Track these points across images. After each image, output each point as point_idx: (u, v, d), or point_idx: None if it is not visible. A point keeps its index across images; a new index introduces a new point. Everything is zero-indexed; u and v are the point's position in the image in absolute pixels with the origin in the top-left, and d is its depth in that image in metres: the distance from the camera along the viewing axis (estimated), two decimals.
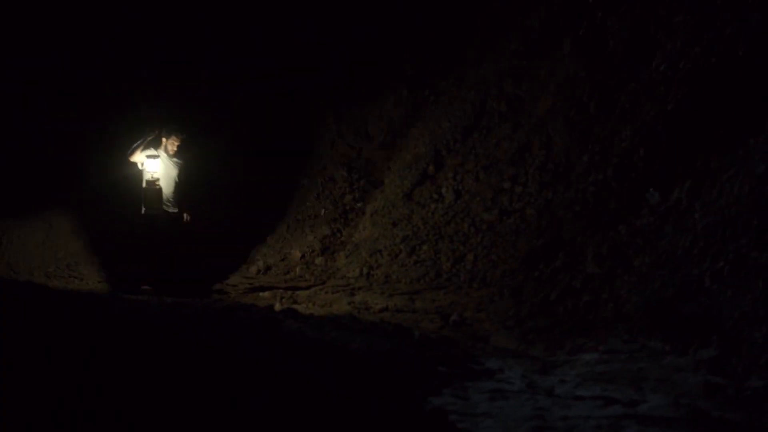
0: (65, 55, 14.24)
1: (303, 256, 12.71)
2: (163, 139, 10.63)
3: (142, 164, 10.51)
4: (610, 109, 10.03)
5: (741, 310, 6.01)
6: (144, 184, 10.49)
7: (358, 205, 13.60)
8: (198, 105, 14.09)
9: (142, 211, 10.59)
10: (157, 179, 10.47)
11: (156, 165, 10.50)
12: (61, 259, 12.99)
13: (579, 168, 9.98)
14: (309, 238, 13.12)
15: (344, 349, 5.79)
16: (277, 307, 9.63)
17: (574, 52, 11.06)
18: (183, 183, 10.82)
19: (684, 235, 7.57)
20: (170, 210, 10.71)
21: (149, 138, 10.47)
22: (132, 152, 10.44)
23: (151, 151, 10.52)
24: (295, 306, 9.96)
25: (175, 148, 10.67)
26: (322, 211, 13.67)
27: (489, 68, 12.78)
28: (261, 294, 11.27)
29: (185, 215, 10.83)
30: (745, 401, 4.78)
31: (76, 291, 10.80)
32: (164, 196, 10.60)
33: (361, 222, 12.87)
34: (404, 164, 12.88)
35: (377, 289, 10.64)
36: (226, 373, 3.67)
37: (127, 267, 11.51)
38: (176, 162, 10.76)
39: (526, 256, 9.38)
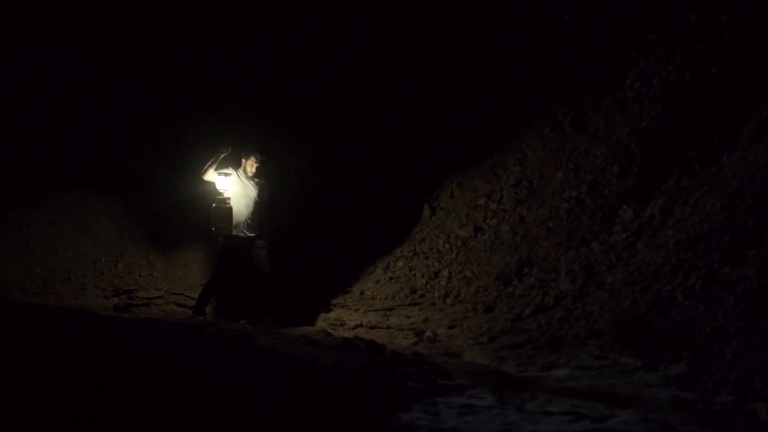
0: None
1: None
2: (243, 160, 10.13)
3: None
4: (584, 126, 10.08)
5: (712, 326, 6.03)
6: (213, 203, 9.97)
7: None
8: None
9: (212, 231, 10.08)
10: (228, 198, 9.89)
11: (227, 183, 9.93)
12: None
13: (553, 185, 10.00)
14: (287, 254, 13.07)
15: (313, 365, 5.75)
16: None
17: (549, 70, 11.10)
18: (263, 205, 10.27)
19: (656, 252, 7.59)
20: (249, 234, 10.07)
21: (223, 154, 9.87)
22: (205, 171, 9.87)
23: (225, 169, 9.95)
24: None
25: (254, 170, 10.14)
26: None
27: None
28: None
29: (264, 239, 10.20)
30: (713, 417, 4.77)
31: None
32: (241, 219, 10.02)
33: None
34: None
35: (352, 305, 10.59)
36: (185, 389, 3.64)
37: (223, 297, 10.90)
38: (256, 182, 10.23)
39: (499, 273, 9.36)
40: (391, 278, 10.76)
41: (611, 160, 9.30)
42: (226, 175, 9.91)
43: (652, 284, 7.12)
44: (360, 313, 10.02)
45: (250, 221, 10.05)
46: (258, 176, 10.22)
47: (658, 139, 9.02)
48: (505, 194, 10.67)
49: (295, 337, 7.62)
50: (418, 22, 13.05)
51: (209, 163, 9.83)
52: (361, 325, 9.29)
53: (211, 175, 9.84)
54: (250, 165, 10.08)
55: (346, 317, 9.78)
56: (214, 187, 9.92)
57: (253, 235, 10.07)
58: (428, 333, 8.51)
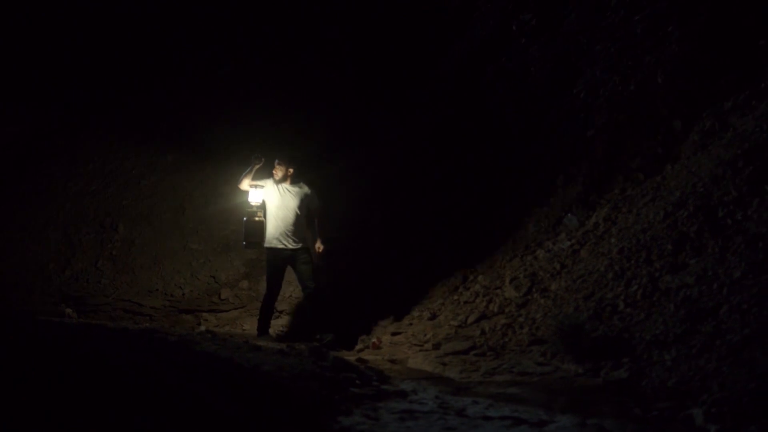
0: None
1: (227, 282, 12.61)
2: (277, 168, 9.82)
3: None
4: (533, 135, 10.14)
5: (652, 333, 6.08)
6: (245, 216, 9.73)
7: None
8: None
9: (243, 245, 9.91)
10: (258, 211, 9.62)
11: (257, 196, 9.67)
12: None
13: (502, 192, 10.05)
14: (235, 263, 13.02)
15: (255, 369, 5.71)
16: (199, 329, 9.60)
17: (498, 79, 11.15)
18: (306, 215, 9.90)
19: (600, 260, 7.66)
20: (292, 246, 9.69)
21: (256, 166, 9.67)
22: (240, 181, 9.69)
23: (258, 181, 9.72)
24: (215, 329, 9.91)
25: (281, 176, 9.78)
26: None
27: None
28: (185, 316, 11.19)
29: (318, 247, 9.78)
30: (651, 422, 4.80)
31: None
32: (279, 230, 9.66)
33: None
34: None
35: (302, 312, 10.60)
36: (119, 391, 3.60)
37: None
38: (296, 191, 9.84)
39: (445, 280, 9.41)
40: None
41: (557, 169, 9.38)
42: (259, 187, 9.68)
43: (595, 291, 7.18)
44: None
45: (289, 233, 9.68)
46: (300, 185, 9.91)
47: (604, 148, 9.10)
48: (455, 201, 10.71)
49: (239, 343, 7.59)
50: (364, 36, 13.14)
51: (244, 173, 9.66)
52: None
53: (246, 186, 9.68)
54: (277, 171, 9.77)
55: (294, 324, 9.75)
56: (246, 199, 9.75)
57: (295, 247, 9.72)
58: (373, 339, 8.53)
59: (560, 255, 8.36)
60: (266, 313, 9.77)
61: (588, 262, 7.84)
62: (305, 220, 9.87)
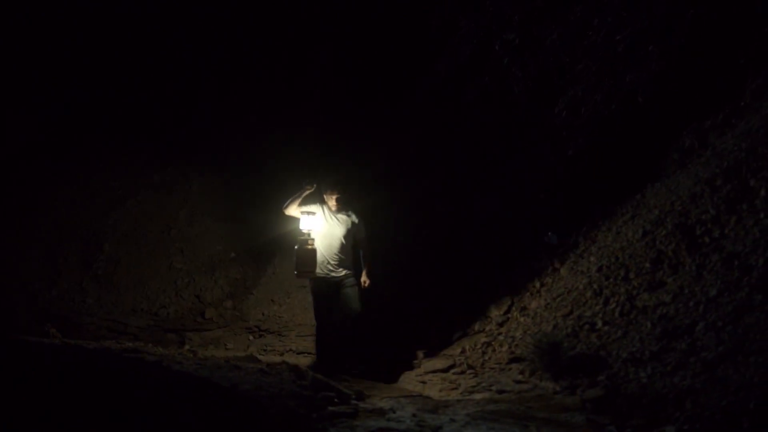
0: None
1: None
2: (324, 195, 9.14)
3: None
4: (513, 154, 10.19)
5: (629, 351, 6.10)
6: (296, 245, 8.91)
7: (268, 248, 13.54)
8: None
9: (295, 274, 8.98)
10: (311, 239, 8.86)
11: (308, 223, 8.92)
12: None
13: (482, 212, 10.09)
14: (220, 282, 13.03)
15: (233, 389, 5.72)
16: (182, 349, 9.61)
17: (479, 99, 11.19)
18: (353, 243, 9.17)
19: (579, 278, 7.69)
20: (335, 275, 8.95)
21: (307, 191, 8.84)
22: (287, 206, 8.87)
23: (310, 207, 8.98)
24: (199, 348, 9.91)
25: (335, 203, 9.07)
26: (232, 254, 13.58)
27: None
28: (169, 335, 11.18)
29: (364, 282, 9.02)
30: None
31: None
32: (324, 259, 8.97)
33: (270, 266, 12.86)
34: None
35: (285, 331, 10.61)
36: (95, 409, 3.61)
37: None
38: (344, 219, 9.12)
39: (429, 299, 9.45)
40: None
41: (538, 188, 9.42)
42: (310, 213, 8.96)
43: (574, 310, 7.21)
44: (289, 338, 10.01)
45: (334, 262, 8.98)
46: (347, 211, 9.21)
47: (584, 167, 9.15)
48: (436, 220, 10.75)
49: (220, 363, 7.59)
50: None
51: (292, 198, 8.88)
52: (290, 350, 9.26)
53: (294, 211, 8.92)
54: (329, 198, 9.08)
55: (275, 343, 9.74)
56: (297, 227, 9.01)
57: (340, 275, 8.98)
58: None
59: (540, 273, 8.40)
60: (321, 344, 8.99)
61: (567, 280, 7.88)
62: (352, 250, 9.20)
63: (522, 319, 7.78)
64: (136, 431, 3.62)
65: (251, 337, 10.69)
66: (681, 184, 7.75)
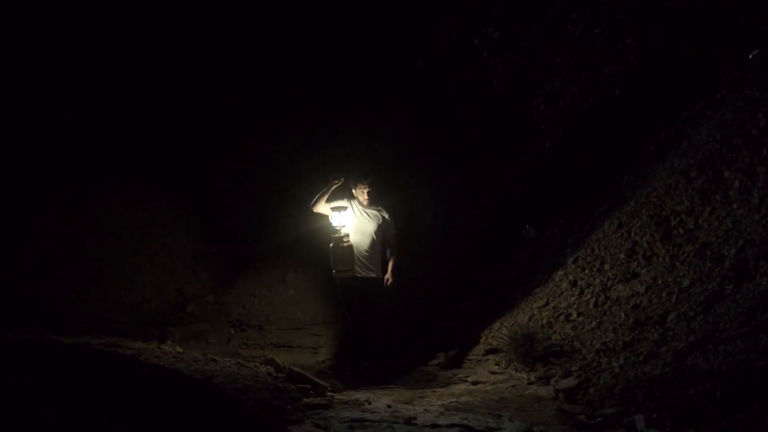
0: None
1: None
2: (353, 189, 8.60)
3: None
4: (492, 147, 10.21)
5: (602, 341, 6.16)
6: (331, 243, 8.39)
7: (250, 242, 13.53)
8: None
9: (333, 274, 8.46)
10: (345, 235, 8.35)
11: (341, 219, 8.42)
12: None
13: (463, 206, 10.12)
14: (201, 277, 13.02)
15: (207, 381, 5.74)
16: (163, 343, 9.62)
17: (460, 93, 11.22)
18: (383, 239, 8.61)
19: (555, 270, 7.74)
20: (364, 274, 8.42)
21: (335, 185, 8.35)
22: (315, 203, 8.36)
23: (339, 202, 8.49)
24: (180, 342, 9.93)
25: (366, 197, 8.50)
26: (213, 248, 13.57)
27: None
28: (151, 330, 11.18)
29: (387, 280, 8.43)
30: (594, 428, 4.87)
31: None
32: (357, 256, 8.45)
33: (251, 261, 12.88)
34: None
35: (265, 325, 10.63)
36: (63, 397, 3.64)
37: None
38: (374, 214, 8.57)
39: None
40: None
41: (516, 181, 9.45)
42: (342, 209, 8.46)
43: (550, 301, 7.27)
44: (270, 332, 10.04)
45: (364, 259, 8.47)
46: (377, 206, 8.65)
47: (562, 159, 9.18)
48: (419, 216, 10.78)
49: (197, 356, 7.60)
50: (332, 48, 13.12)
51: (319, 193, 8.36)
52: (270, 344, 9.29)
53: (323, 208, 8.42)
54: (361, 193, 8.51)
55: (255, 337, 9.77)
56: (329, 224, 8.51)
57: (368, 275, 8.45)
58: (334, 350, 8.57)
59: (518, 265, 8.44)
60: (356, 347, 8.40)
61: (544, 272, 7.93)
62: (381, 246, 8.66)
63: (499, 310, 7.84)
64: (104, 423, 3.63)
65: (232, 331, 10.67)
66: (657, 175, 7.80)
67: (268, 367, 7.10)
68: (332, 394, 6.44)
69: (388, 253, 8.65)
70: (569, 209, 8.73)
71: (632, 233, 7.24)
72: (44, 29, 13.83)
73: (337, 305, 9.28)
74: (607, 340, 6.13)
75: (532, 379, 6.33)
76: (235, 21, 14.08)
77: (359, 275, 8.39)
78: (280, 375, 6.70)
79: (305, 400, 5.99)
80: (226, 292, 12.02)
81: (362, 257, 8.44)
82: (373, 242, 8.52)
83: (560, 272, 7.59)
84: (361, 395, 6.43)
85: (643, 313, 6.14)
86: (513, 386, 6.28)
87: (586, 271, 7.28)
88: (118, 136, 14.18)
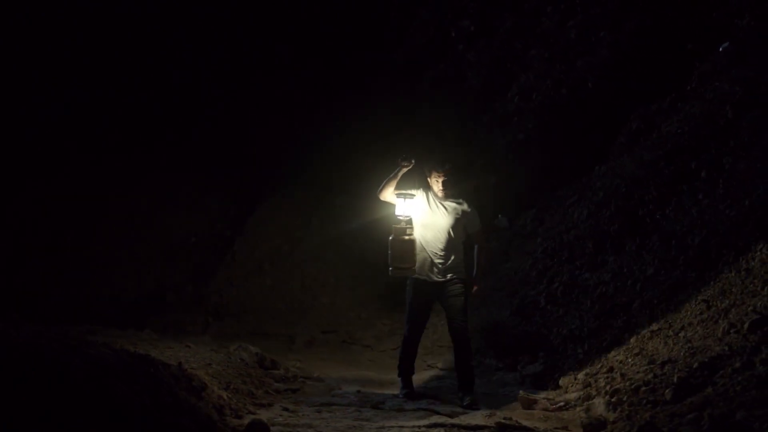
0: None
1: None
2: (428, 178, 6.57)
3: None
4: (467, 139, 10.29)
5: (569, 328, 6.29)
6: (391, 236, 6.50)
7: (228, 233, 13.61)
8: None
9: (390, 272, 6.51)
10: (408, 228, 6.43)
11: (406, 207, 6.49)
12: None
13: None
14: (180, 267, 13.09)
15: (179, 366, 5.82)
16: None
17: (435, 85, 11.28)
18: (461, 238, 6.57)
19: (525, 259, 7.85)
20: (437, 278, 6.39)
21: (404, 169, 6.31)
22: (382, 189, 6.42)
23: (407, 189, 6.54)
24: (159, 332, 10.00)
25: (441, 187, 6.45)
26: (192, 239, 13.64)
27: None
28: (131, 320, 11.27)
29: (474, 287, 6.53)
30: (555, 411, 5.00)
31: None
32: (426, 256, 6.43)
33: (229, 251, 12.97)
34: None
35: (242, 314, 10.71)
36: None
37: None
38: (453, 207, 6.51)
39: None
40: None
41: (490, 171, 9.54)
42: (408, 197, 6.53)
43: (519, 290, 7.39)
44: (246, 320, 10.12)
45: (438, 260, 6.48)
46: (459, 201, 6.58)
47: (535, 150, 9.29)
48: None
49: (171, 343, 7.68)
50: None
51: (388, 179, 6.43)
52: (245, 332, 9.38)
53: (390, 196, 6.52)
54: (436, 182, 6.50)
55: (230, 325, 9.86)
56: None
57: (442, 280, 6.43)
58: (307, 337, 8.66)
59: (491, 255, 8.54)
60: (404, 357, 6.49)
61: (515, 261, 8.04)
62: (462, 245, 6.70)
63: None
64: (71, 407, 3.71)
65: (210, 320, 10.76)
66: (626, 166, 7.92)
67: (242, 353, 7.17)
68: (304, 379, 6.54)
69: (474, 253, 6.71)
70: (541, 199, 8.83)
71: (601, 223, 7.37)
72: (44, 29, 13.88)
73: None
74: (573, 327, 6.26)
75: (500, 365, 6.48)
76: (235, 21, 14.15)
77: (428, 279, 6.45)
78: (252, 361, 6.78)
79: (277, 384, 6.10)
80: (204, 282, 12.09)
81: (436, 259, 6.50)
82: (450, 240, 6.53)
83: (530, 261, 7.70)
84: (332, 382, 6.54)
85: (608, 302, 6.28)
86: (482, 372, 6.40)
87: (555, 259, 7.40)
88: (98, 129, 14.19)
